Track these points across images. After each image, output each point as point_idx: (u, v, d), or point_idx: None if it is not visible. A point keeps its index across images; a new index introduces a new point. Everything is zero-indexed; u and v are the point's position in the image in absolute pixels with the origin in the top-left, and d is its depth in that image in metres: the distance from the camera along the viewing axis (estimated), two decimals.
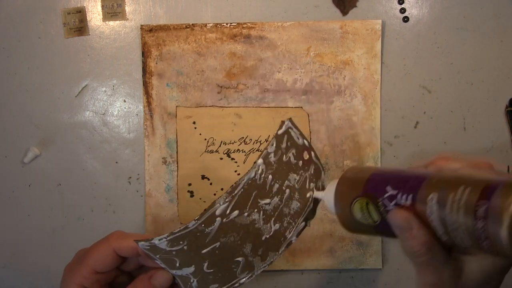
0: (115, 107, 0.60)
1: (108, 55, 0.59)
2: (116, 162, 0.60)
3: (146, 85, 0.59)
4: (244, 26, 0.58)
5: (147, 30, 0.58)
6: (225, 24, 0.58)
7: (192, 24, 0.58)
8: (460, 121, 0.59)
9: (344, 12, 0.59)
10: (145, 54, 0.58)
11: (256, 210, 0.39)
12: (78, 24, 0.59)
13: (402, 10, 0.59)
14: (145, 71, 0.59)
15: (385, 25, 0.59)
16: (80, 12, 0.59)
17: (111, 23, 0.59)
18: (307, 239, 0.59)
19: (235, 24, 0.58)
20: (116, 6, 0.59)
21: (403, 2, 0.59)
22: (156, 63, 0.58)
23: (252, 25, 0.58)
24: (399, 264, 0.60)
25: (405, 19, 0.59)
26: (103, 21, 0.59)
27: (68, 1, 0.59)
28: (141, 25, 0.58)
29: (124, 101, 0.60)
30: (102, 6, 0.59)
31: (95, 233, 0.60)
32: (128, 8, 0.59)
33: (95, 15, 0.59)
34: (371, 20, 0.58)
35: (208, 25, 0.58)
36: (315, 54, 0.58)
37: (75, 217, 0.60)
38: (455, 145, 0.59)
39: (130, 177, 0.60)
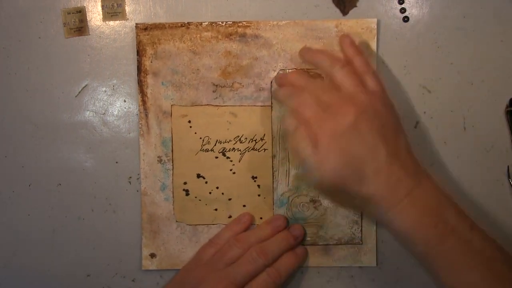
0: (115, 107, 0.60)
1: (108, 55, 0.59)
2: (116, 162, 0.60)
3: (141, 84, 0.59)
4: (239, 24, 0.58)
5: (142, 28, 0.58)
6: (220, 23, 0.58)
7: (188, 23, 0.58)
8: (460, 121, 0.59)
9: (344, 12, 0.59)
10: (140, 53, 0.58)
11: None
12: (78, 24, 0.59)
13: (402, 10, 0.59)
14: (140, 69, 0.59)
15: (381, 24, 0.59)
16: (80, 12, 0.59)
17: (111, 23, 0.59)
18: None
19: (230, 22, 0.58)
20: (116, 6, 0.59)
21: (403, 2, 0.59)
22: (151, 62, 0.58)
23: (248, 24, 0.58)
24: (399, 263, 0.60)
25: (405, 19, 0.59)
26: (103, 21, 0.59)
27: (68, 1, 0.59)
28: (136, 24, 0.58)
29: (124, 101, 0.60)
30: (102, 6, 0.59)
31: (95, 233, 0.61)
32: (128, 8, 0.59)
33: (95, 15, 0.59)
34: (367, 19, 0.58)
35: (203, 23, 0.58)
36: None
37: (75, 217, 0.60)
38: (455, 145, 0.59)
39: (130, 177, 0.60)
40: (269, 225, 0.58)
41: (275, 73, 0.59)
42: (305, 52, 0.56)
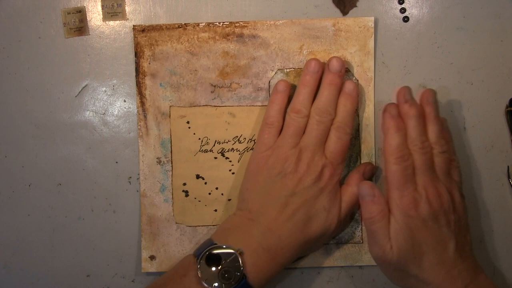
0: (115, 107, 0.60)
1: (108, 55, 0.59)
2: (116, 162, 0.60)
3: (139, 86, 0.59)
4: (236, 25, 0.58)
5: (140, 30, 0.58)
6: (217, 23, 0.58)
7: (185, 24, 0.58)
8: (460, 121, 0.59)
9: (344, 12, 0.59)
10: (138, 55, 0.58)
11: None
12: (78, 24, 0.59)
13: (402, 10, 0.59)
14: (138, 71, 0.59)
15: (381, 24, 0.59)
16: (80, 12, 0.59)
17: (111, 23, 0.59)
18: None
19: (227, 23, 0.58)
20: (116, 6, 0.59)
21: (403, 2, 0.59)
22: (149, 63, 0.58)
23: (245, 24, 0.58)
24: None
25: (405, 19, 0.59)
26: (103, 21, 0.59)
27: (68, 1, 0.59)
28: (133, 25, 0.58)
29: (124, 101, 0.60)
30: (102, 6, 0.59)
31: (95, 233, 0.61)
32: (128, 8, 0.59)
33: (95, 15, 0.59)
34: (364, 17, 0.58)
35: (200, 24, 0.58)
36: (308, 52, 0.58)
37: (75, 217, 0.60)
38: (455, 145, 0.59)
39: (130, 177, 0.60)
40: (306, 75, 0.56)
41: (273, 73, 0.59)
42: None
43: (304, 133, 0.55)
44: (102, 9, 0.59)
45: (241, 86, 0.59)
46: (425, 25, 0.59)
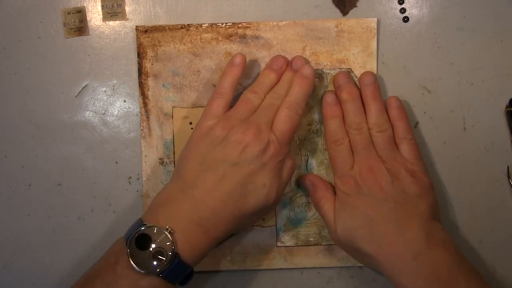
0: (115, 107, 0.60)
1: (108, 55, 0.59)
2: (116, 162, 0.60)
3: (142, 86, 0.59)
4: (239, 26, 0.58)
5: (142, 31, 0.58)
6: (220, 24, 0.58)
7: (188, 25, 0.58)
8: (460, 121, 0.59)
9: (344, 12, 0.59)
10: (140, 55, 0.58)
11: None
12: (78, 24, 0.59)
13: (402, 10, 0.59)
14: (141, 72, 0.59)
15: (381, 24, 0.59)
16: (80, 12, 0.59)
17: (111, 23, 0.59)
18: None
19: (230, 24, 0.58)
20: (116, 6, 0.59)
21: (403, 2, 0.59)
22: (152, 64, 0.58)
23: (248, 25, 0.58)
24: None
25: (405, 19, 0.59)
26: (103, 21, 0.59)
27: (68, 1, 0.59)
28: (136, 26, 0.58)
29: (124, 101, 0.60)
30: (102, 6, 0.59)
31: (95, 233, 0.61)
32: (128, 8, 0.59)
33: (95, 15, 0.59)
34: (367, 18, 0.58)
35: (203, 25, 0.58)
36: (311, 53, 0.58)
37: (75, 217, 0.60)
38: (455, 145, 0.59)
39: (130, 177, 0.60)
40: (271, 71, 0.56)
41: None
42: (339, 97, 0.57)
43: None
44: (102, 9, 0.59)
45: (243, 86, 0.58)
46: (425, 25, 0.59)
